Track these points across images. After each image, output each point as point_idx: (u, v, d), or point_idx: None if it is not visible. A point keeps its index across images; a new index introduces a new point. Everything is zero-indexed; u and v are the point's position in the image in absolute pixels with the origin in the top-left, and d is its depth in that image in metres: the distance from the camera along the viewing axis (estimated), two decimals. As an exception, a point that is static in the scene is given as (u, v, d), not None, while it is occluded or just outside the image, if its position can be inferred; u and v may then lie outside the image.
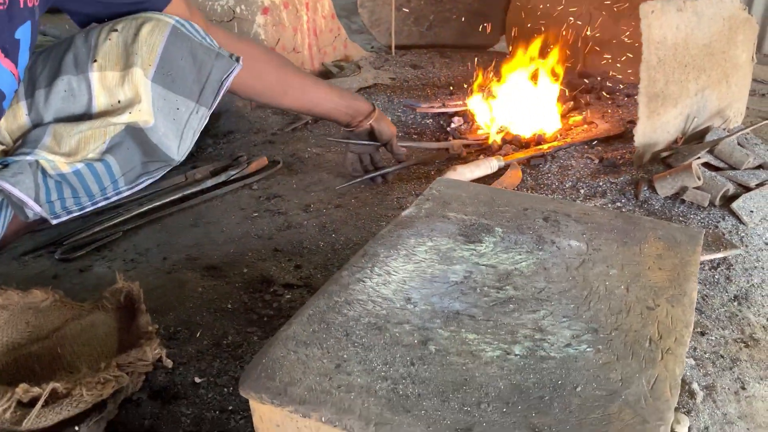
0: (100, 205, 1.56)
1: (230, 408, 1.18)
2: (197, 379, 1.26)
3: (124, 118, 1.25)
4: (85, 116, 1.29)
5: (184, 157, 1.39)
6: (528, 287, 0.97)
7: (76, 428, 1.10)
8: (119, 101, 1.28)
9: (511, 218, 1.16)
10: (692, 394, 1.16)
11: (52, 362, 1.27)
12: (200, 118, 1.43)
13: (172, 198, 2.02)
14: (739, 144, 2.23)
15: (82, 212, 1.50)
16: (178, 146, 1.35)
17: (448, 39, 3.59)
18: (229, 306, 1.49)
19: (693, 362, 1.25)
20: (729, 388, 1.20)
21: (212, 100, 1.40)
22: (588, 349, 0.84)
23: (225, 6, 2.63)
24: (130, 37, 1.37)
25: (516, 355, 0.84)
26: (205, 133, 2.38)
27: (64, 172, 1.26)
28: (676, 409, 1.12)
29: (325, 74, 2.95)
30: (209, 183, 2.10)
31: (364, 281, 1.00)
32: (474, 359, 0.83)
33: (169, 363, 1.21)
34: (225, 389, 1.23)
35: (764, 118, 3.20)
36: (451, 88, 2.92)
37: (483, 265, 1.03)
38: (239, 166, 2.16)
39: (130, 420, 1.18)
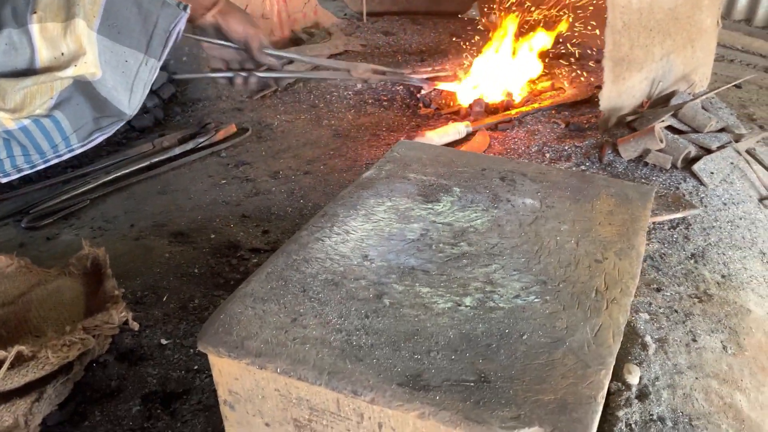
0: (51, 162, 1.54)
1: (195, 368, 1.20)
2: (163, 341, 1.28)
3: (70, 72, 1.22)
4: (30, 71, 1.26)
5: (135, 111, 1.38)
6: (482, 243, 1.00)
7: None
8: (62, 54, 1.25)
9: (469, 178, 1.18)
10: (645, 347, 1.20)
11: (19, 326, 1.28)
12: (150, 70, 1.41)
13: (139, 166, 2.02)
14: (703, 108, 2.27)
15: (33, 170, 1.48)
16: (129, 99, 1.33)
17: (420, 6, 3.57)
18: (196, 271, 1.51)
19: (647, 317, 1.29)
20: (681, 341, 1.24)
21: (161, 50, 1.37)
22: (536, 300, 0.87)
23: (192, -29, 2.58)
24: None
25: (466, 306, 0.86)
26: (173, 100, 2.37)
27: (10, 128, 1.23)
28: (629, 360, 1.16)
29: (295, 41, 2.93)
30: (177, 151, 2.09)
31: (322, 240, 1.01)
32: (426, 311, 0.86)
33: (135, 325, 1.23)
34: (191, 350, 1.25)
35: (732, 84, 3.25)
36: (423, 54, 2.91)
37: (440, 223, 1.05)
38: (207, 133, 2.16)
39: (97, 381, 1.20)
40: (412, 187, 1.15)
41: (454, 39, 3.14)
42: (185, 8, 1.35)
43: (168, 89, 2.44)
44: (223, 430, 1.00)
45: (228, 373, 0.87)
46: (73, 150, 1.51)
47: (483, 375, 0.75)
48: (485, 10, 3.39)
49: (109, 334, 1.24)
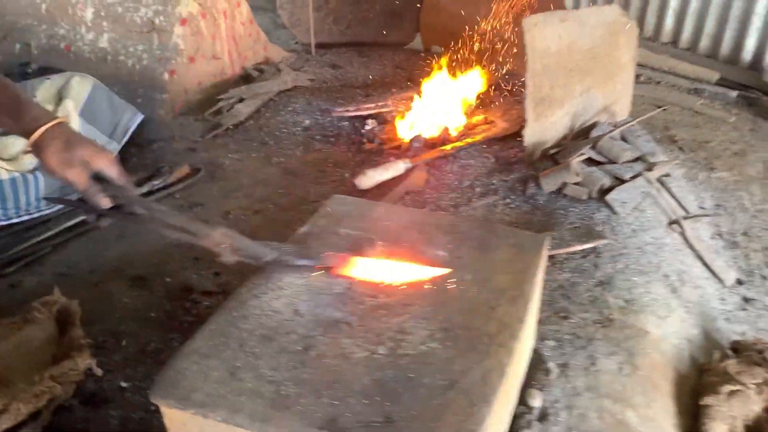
0: (23, 219, 1.74)
1: (153, 408, 1.33)
2: (124, 384, 1.42)
3: None
4: None
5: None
6: (397, 294, 1.16)
7: (13, 436, 1.24)
8: None
9: (392, 232, 1.34)
10: (548, 372, 1.38)
11: (-13, 378, 1.40)
12: (111, 151, 1.70)
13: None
14: (622, 137, 2.49)
15: (8, 222, 1.68)
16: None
17: (366, 37, 3.75)
18: (153, 315, 1.64)
19: (553, 343, 1.47)
20: (581, 365, 1.42)
21: (122, 137, 1.72)
22: (438, 346, 1.04)
23: (144, 17, 2.72)
24: (62, 84, 1.69)
25: (380, 354, 1.03)
26: (129, 142, 2.49)
27: (2, 179, 1.41)
28: (532, 386, 1.34)
29: (245, 77, 3.07)
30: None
31: (259, 297, 1.17)
32: (346, 360, 1.02)
33: (98, 371, 1.37)
34: (149, 392, 1.39)
35: (657, 105, 3.49)
36: (368, 89, 3.08)
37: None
38: (162, 175, 2.29)
39: (63, 424, 1.33)
40: (341, 242, 1.31)
41: (397, 70, 3.32)
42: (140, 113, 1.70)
43: (123, 131, 2.56)
44: (177, 466, 1.15)
45: (177, 419, 1.02)
46: (41, 210, 1.71)
47: (389, 416, 0.92)
48: (428, 41, 3.59)
49: (74, 380, 1.38)
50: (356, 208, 1.45)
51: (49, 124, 1.15)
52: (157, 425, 1.30)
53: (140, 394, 1.39)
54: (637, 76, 3.82)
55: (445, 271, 1.18)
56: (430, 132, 2.56)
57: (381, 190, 2.22)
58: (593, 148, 2.30)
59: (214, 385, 0.98)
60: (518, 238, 1.32)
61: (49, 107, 1.57)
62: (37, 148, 1.16)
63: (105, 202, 1.14)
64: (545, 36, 2.16)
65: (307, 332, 1.08)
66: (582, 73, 2.36)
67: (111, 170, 1.14)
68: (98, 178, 1.13)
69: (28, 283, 1.83)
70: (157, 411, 1.33)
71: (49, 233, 2.01)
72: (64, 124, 1.17)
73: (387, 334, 1.07)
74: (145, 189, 2.23)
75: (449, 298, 1.15)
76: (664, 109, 3.43)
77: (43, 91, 1.71)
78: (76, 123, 1.67)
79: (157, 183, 2.26)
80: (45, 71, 2.76)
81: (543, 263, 1.27)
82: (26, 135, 1.18)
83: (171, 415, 1.01)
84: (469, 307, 1.13)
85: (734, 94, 3.58)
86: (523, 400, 1.31)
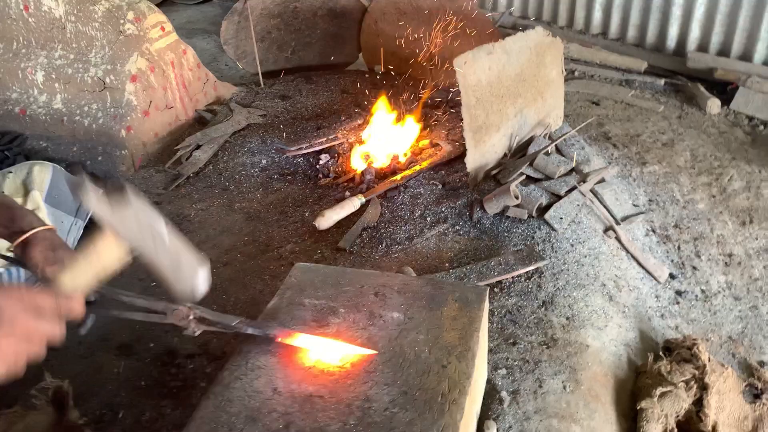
0: None
1: (157, 479, 1.50)
2: (126, 457, 1.57)
3: None
4: None
5: None
6: (361, 362, 1.33)
7: None
8: None
9: (352, 297, 1.51)
10: (501, 401, 1.57)
11: (-1, 473, 1.54)
12: (78, 229, 1.87)
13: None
14: (557, 149, 2.68)
15: None
16: None
17: (311, 60, 3.88)
18: (143, 383, 1.79)
19: (504, 372, 1.67)
20: (530, 389, 1.62)
21: (86, 214, 1.87)
22: (399, 411, 1.21)
23: (95, 77, 2.81)
24: (24, 176, 1.80)
25: (351, 424, 1.20)
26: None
27: None
28: (488, 416, 1.53)
29: (199, 120, 3.18)
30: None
31: (240, 378, 1.32)
32: (321, 433, 1.19)
33: (101, 450, 1.52)
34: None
35: (591, 101, 3.71)
36: (318, 119, 3.22)
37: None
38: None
39: (76, 503, 1.48)
40: (307, 314, 1.48)
41: (344, 95, 3.47)
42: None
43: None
44: None
45: (183, 503, 1.18)
46: None
47: (362, 483, 1.09)
48: (370, 61, 3.73)
49: (80, 461, 1.53)
50: (318, 276, 1.61)
51: (41, 228, 1.32)
52: (162, 493, 1.46)
53: (142, 464, 1.55)
54: (572, 72, 4.05)
55: (371, 352, 1.33)
56: (381, 161, 2.72)
57: (339, 229, 2.38)
58: (531, 165, 2.49)
59: (211, 471, 1.15)
60: (462, 292, 1.50)
61: (18, 200, 1.72)
62: (24, 246, 1.31)
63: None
64: (475, 71, 2.33)
65: (285, 409, 1.24)
66: (513, 96, 2.54)
67: None
68: None
69: (20, 361, 1.95)
70: (161, 480, 1.50)
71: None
72: (53, 231, 1.35)
73: (355, 403, 1.24)
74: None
75: (406, 361, 1.32)
76: (597, 103, 3.65)
77: (9, 184, 1.83)
78: (43, 212, 1.80)
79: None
80: (2, 135, 2.85)
81: (485, 311, 1.45)
82: (16, 237, 1.32)
83: (177, 499, 1.17)
84: (423, 368, 1.30)
85: (662, 82, 3.81)
86: (480, 431, 1.50)
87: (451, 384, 1.26)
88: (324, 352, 1.34)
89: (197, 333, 1.34)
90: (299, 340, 1.35)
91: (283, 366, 1.35)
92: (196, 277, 1.29)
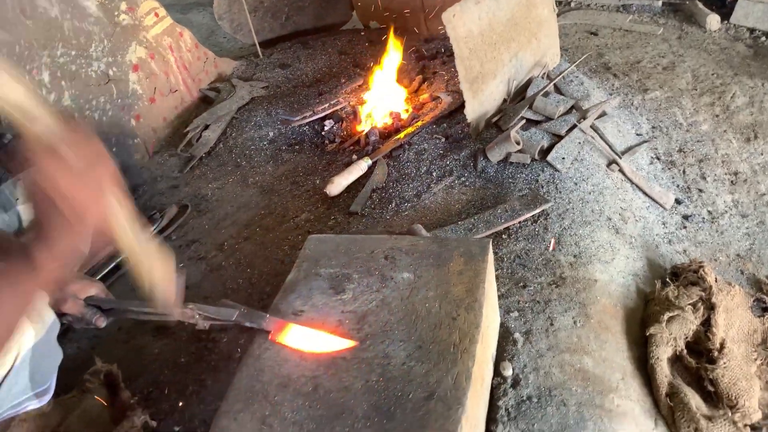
0: None
1: (206, 446, 1.63)
2: (176, 429, 1.71)
3: None
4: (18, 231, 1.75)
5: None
6: (378, 323, 1.43)
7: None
8: None
9: (363, 262, 1.60)
10: (515, 342, 1.67)
11: (64, 453, 1.69)
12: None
13: (109, 268, 2.39)
14: (556, 88, 2.71)
15: None
16: None
17: (306, 24, 3.89)
18: (183, 360, 1.92)
19: (516, 314, 1.76)
20: (541, 328, 1.71)
21: None
22: (416, 364, 1.32)
23: (98, 71, 2.88)
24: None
25: (373, 381, 1.31)
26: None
27: None
28: (504, 358, 1.63)
29: (205, 100, 3.25)
30: (134, 245, 2.46)
31: (269, 349, 1.44)
32: (347, 392, 1.30)
33: (153, 423, 1.66)
34: (199, 430, 1.69)
35: (589, 31, 3.68)
36: (319, 84, 3.27)
37: (347, 311, 1.48)
38: (155, 222, 2.53)
39: (136, 475, 1.63)
40: (324, 283, 1.58)
41: (342, 56, 3.49)
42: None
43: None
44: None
45: (231, 465, 1.31)
46: None
47: (387, 432, 1.21)
48: (364, 18, 3.74)
49: (134, 436, 1.67)
50: (330, 246, 1.70)
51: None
52: (212, 458, 1.60)
53: (193, 433, 1.69)
54: (568, 3, 4.01)
55: (352, 343, 1.39)
56: (383, 120, 2.77)
57: (350, 193, 2.46)
58: (530, 108, 2.53)
59: (251, 435, 1.27)
60: (466, 246, 1.58)
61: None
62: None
63: (100, 322, 1.47)
64: (465, 22, 2.36)
65: (312, 373, 1.35)
66: (507, 41, 2.56)
67: (99, 293, 1.49)
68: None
69: (68, 350, 2.10)
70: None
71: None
72: None
73: (375, 361, 1.35)
74: (143, 239, 2.47)
75: (418, 317, 1.42)
76: (596, 33, 3.63)
77: (20, 193, 1.94)
78: None
79: (152, 229, 2.50)
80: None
81: (490, 263, 1.54)
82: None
83: (225, 463, 1.30)
84: (435, 322, 1.40)
85: (659, 3, 3.76)
86: (497, 372, 1.60)
87: (461, 335, 1.36)
88: (312, 344, 1.40)
89: (207, 327, 1.46)
90: (290, 334, 1.42)
91: (306, 333, 1.45)
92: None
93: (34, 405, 1.43)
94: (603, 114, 2.63)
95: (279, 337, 1.43)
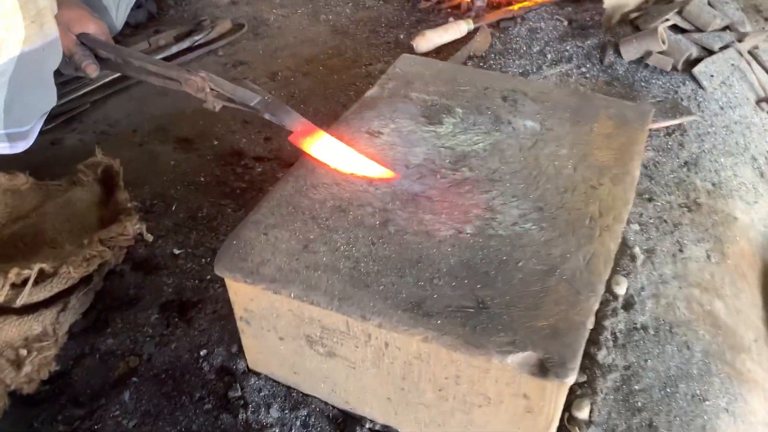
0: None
1: (208, 277, 1.27)
2: (176, 251, 1.35)
3: None
4: None
5: (121, 26, 1.42)
6: (483, 168, 1.03)
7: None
8: None
9: (472, 98, 1.19)
10: (633, 258, 1.27)
11: (35, 238, 1.33)
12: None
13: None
14: (709, 3, 2.22)
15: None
16: (116, 13, 1.37)
17: None
18: (202, 179, 1.54)
19: (638, 227, 1.35)
20: (668, 251, 1.31)
21: None
22: (533, 227, 0.92)
23: None
24: None
25: (467, 233, 0.92)
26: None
27: None
28: (617, 272, 1.24)
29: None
30: (174, 49, 2.06)
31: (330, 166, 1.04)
32: (429, 238, 0.91)
33: (149, 237, 1.28)
34: (203, 259, 1.32)
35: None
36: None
37: (442, 147, 1.08)
38: (203, 30, 2.12)
39: (116, 290, 1.27)
40: (414, 108, 1.17)
41: None
42: None
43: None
44: (237, 338, 1.09)
45: (244, 294, 0.93)
46: None
47: (482, 302, 0.82)
48: None
49: (124, 245, 1.30)
50: (428, 69, 1.29)
51: None
52: (212, 296, 1.24)
53: (193, 261, 1.32)
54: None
55: (391, 174, 1.02)
56: (494, -10, 2.31)
57: (440, 55, 2.03)
58: (679, 13, 2.06)
59: (285, 258, 0.89)
60: (618, 108, 1.16)
61: None
62: None
63: (91, 69, 1.14)
64: None
65: (383, 205, 0.96)
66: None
67: (97, 33, 1.14)
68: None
69: (69, 141, 1.73)
70: (213, 281, 1.27)
71: (87, 89, 1.89)
72: None
73: (473, 211, 0.95)
74: (186, 44, 2.07)
75: (542, 174, 1.02)
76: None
77: None
78: None
79: (198, 38, 2.10)
80: None
81: (646, 135, 1.12)
82: None
83: (237, 288, 0.93)
84: (565, 185, 1.00)
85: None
86: (607, 287, 1.20)
87: (603, 208, 0.96)
88: (340, 162, 1.04)
89: (217, 108, 1.11)
90: (318, 144, 1.05)
91: (382, 157, 1.06)
92: None
93: (2, 148, 1.04)
94: (756, 48, 2.15)
95: (303, 143, 1.05)
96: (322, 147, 1.04)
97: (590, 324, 0.80)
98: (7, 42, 0.88)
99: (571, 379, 0.75)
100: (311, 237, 0.91)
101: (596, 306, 0.82)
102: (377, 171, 1.02)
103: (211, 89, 1.09)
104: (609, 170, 1.02)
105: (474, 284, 0.84)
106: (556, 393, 0.78)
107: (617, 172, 1.02)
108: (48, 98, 1.07)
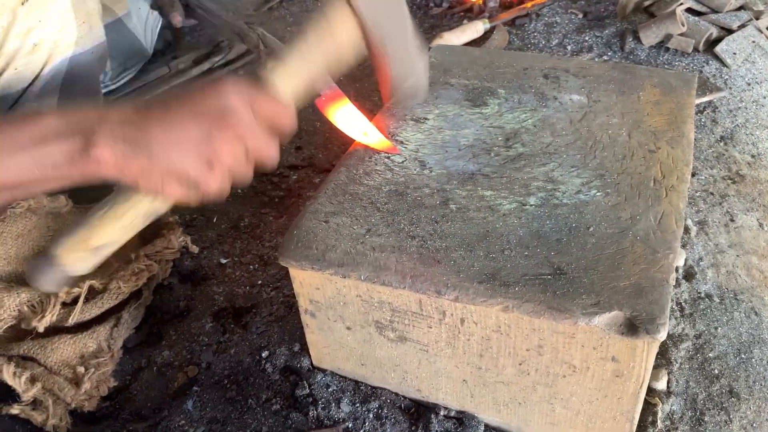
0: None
1: (259, 282, 1.25)
2: (222, 260, 1.33)
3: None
4: None
5: (151, 51, 1.45)
6: (535, 143, 1.02)
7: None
8: None
9: (512, 79, 1.19)
10: (687, 229, 1.25)
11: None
12: (155, 17, 1.52)
13: (159, 90, 2.01)
14: (721, -14, 2.22)
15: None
16: (144, 39, 1.40)
17: None
18: (240, 191, 1.54)
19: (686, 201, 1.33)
20: (719, 222, 1.29)
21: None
22: (597, 194, 0.91)
23: None
24: None
25: (531, 205, 0.90)
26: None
27: None
28: (673, 244, 1.21)
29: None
30: (194, 72, 2.07)
31: (378, 152, 1.04)
32: (493, 213, 0.90)
33: (194, 249, 1.27)
34: (251, 266, 1.31)
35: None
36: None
37: (491, 126, 1.07)
38: (221, 52, 2.13)
39: (166, 303, 1.26)
40: (456, 93, 1.16)
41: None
42: None
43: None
44: (298, 337, 1.07)
45: (309, 284, 0.92)
46: (106, 86, 1.57)
47: (558, 268, 0.80)
48: None
49: (170, 258, 1.29)
50: (464, 57, 1.28)
51: None
52: (266, 299, 1.22)
53: (241, 269, 1.31)
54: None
55: (389, 144, 1.04)
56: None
57: (460, 55, 2.03)
58: (693, -4, 2.06)
59: (350, 242, 0.87)
60: (661, 77, 1.15)
61: None
62: None
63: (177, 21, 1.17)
64: None
65: (441, 186, 0.95)
66: None
67: None
68: None
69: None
70: (264, 285, 1.26)
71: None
72: None
73: (534, 184, 0.94)
74: (206, 66, 2.08)
75: (597, 143, 1.01)
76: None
77: None
78: None
79: (217, 60, 2.11)
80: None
81: (694, 102, 1.11)
82: None
83: (302, 278, 0.91)
84: (623, 151, 0.98)
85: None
86: (663, 259, 1.18)
87: (665, 170, 0.94)
88: (352, 130, 1.05)
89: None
90: (340, 111, 1.04)
91: (429, 142, 1.05)
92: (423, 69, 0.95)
93: None
94: (773, 26, 2.15)
95: (328, 109, 1.04)
96: (343, 115, 1.04)
97: (672, 280, 0.78)
98: (61, 43, 0.89)
99: (663, 334, 0.72)
100: (373, 221, 0.90)
101: (675, 263, 0.81)
102: (379, 141, 1.04)
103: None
104: (664, 134, 1.01)
105: (547, 252, 0.82)
106: (647, 353, 0.76)
107: (672, 135, 1.00)
108: (95, 98, 1.08)
